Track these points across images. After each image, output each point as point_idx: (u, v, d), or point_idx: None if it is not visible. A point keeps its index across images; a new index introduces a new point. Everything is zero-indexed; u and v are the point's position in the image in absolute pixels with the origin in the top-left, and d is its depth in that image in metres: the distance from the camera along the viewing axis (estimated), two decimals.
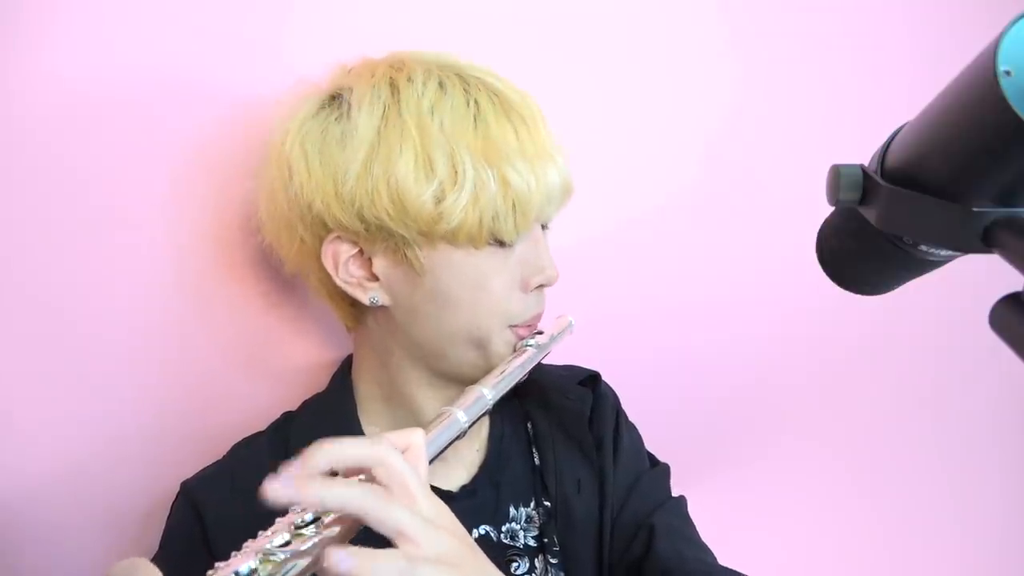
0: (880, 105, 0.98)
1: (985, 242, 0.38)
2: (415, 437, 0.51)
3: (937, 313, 1.20)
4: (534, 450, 0.74)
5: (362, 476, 0.47)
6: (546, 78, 0.83)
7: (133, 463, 0.76)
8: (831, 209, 0.51)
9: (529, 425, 0.76)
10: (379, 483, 0.46)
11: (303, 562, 0.43)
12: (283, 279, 0.81)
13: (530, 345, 0.67)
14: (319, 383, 0.79)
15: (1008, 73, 0.34)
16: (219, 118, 0.77)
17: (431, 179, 0.60)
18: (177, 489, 0.69)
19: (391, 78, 0.64)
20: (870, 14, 1.16)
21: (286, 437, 0.70)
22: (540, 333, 0.69)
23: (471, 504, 0.69)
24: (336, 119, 0.64)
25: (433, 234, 0.62)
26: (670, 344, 1.06)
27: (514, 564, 0.69)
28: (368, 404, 0.72)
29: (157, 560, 0.67)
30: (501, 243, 0.64)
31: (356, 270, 0.66)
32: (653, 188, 1.03)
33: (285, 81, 0.70)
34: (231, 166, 0.77)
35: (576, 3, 0.96)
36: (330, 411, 0.71)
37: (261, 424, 0.75)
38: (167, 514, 0.69)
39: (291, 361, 0.83)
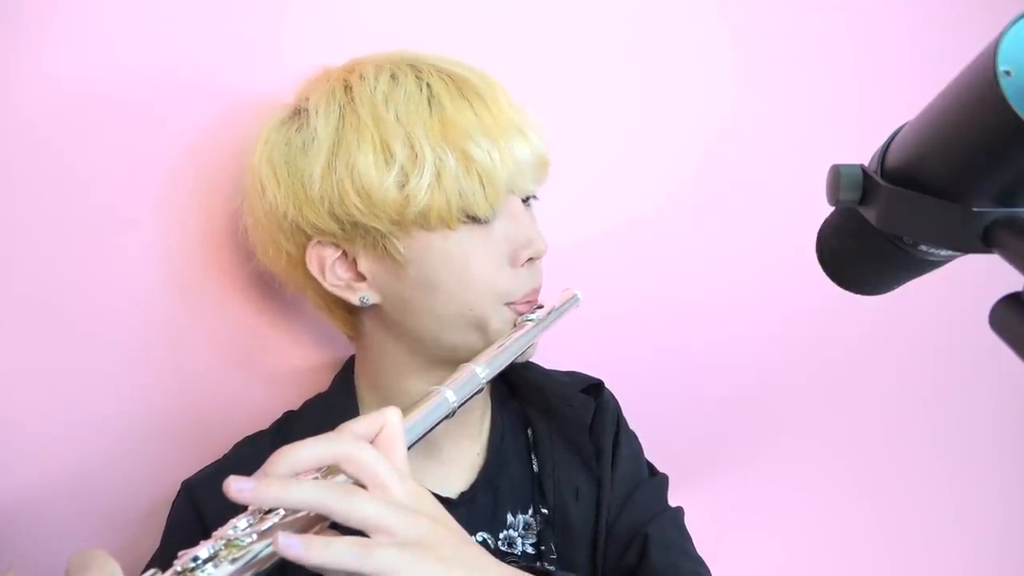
0: (880, 105, 0.98)
1: (985, 242, 0.38)
2: (390, 416, 0.50)
3: (937, 313, 1.20)
4: (533, 456, 0.74)
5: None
6: (546, 78, 0.83)
7: (131, 463, 0.76)
8: (831, 209, 0.51)
9: (529, 431, 0.75)
10: (350, 478, 0.45)
11: (266, 543, 0.42)
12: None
13: (530, 319, 0.66)
14: (317, 383, 0.79)
15: (1008, 73, 0.34)
16: (218, 118, 0.77)
17: (391, 165, 0.61)
18: (176, 489, 0.69)
19: (344, 79, 0.65)
20: (870, 14, 1.16)
21: (288, 436, 0.70)
22: (541, 307, 0.68)
23: (470, 511, 0.69)
24: (297, 129, 0.65)
25: (404, 221, 0.62)
26: (670, 344, 1.06)
27: None
28: (369, 409, 0.71)
29: (157, 558, 0.67)
30: (476, 219, 0.63)
31: (343, 273, 0.66)
32: (653, 188, 1.03)
33: (285, 81, 0.70)
34: (231, 166, 0.77)
35: (576, 4, 0.96)
36: (332, 412, 0.71)
37: (260, 424, 0.74)
38: (166, 514, 0.69)
39: (290, 361, 0.83)
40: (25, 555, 0.72)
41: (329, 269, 0.66)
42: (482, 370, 0.59)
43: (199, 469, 0.70)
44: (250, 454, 0.70)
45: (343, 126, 0.62)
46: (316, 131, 0.63)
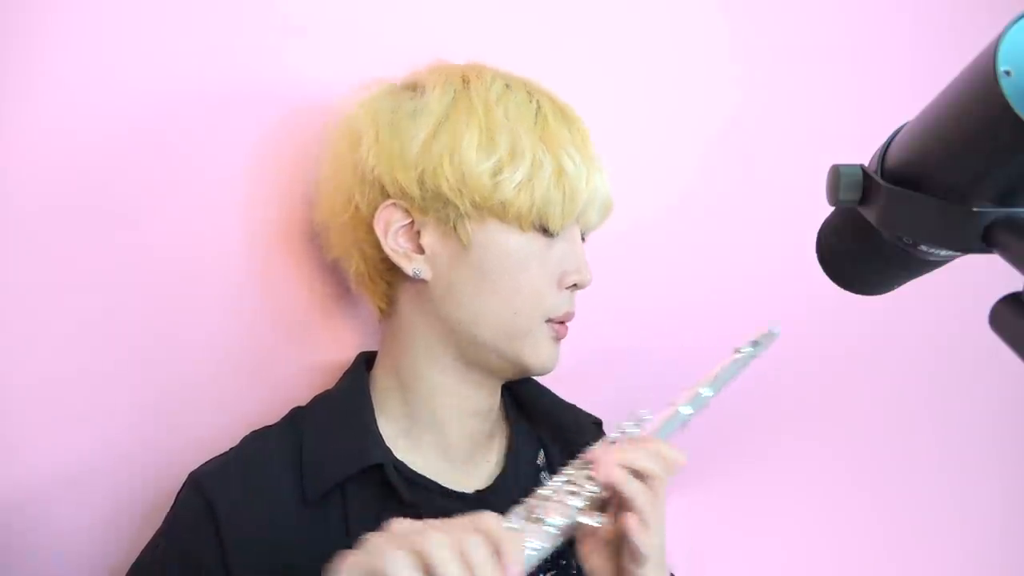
0: (880, 105, 0.98)
1: (985, 242, 0.38)
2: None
3: (937, 313, 1.20)
4: (547, 475, 0.76)
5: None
6: (546, 79, 0.83)
7: (136, 459, 0.76)
8: (831, 209, 0.51)
9: (542, 452, 0.77)
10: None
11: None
12: (288, 285, 0.80)
13: (746, 350, 0.72)
14: (320, 383, 0.79)
15: (1008, 73, 0.34)
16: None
17: (491, 155, 0.64)
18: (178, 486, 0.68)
19: (463, 74, 0.69)
20: (871, 14, 1.16)
21: (298, 433, 0.69)
22: (757, 343, 0.73)
23: (485, 508, 0.70)
24: (409, 98, 0.68)
25: (485, 206, 0.65)
26: (669, 343, 1.06)
27: None
28: (384, 400, 0.71)
29: (158, 551, 0.66)
30: (545, 230, 0.67)
31: (404, 241, 0.68)
32: (653, 189, 1.03)
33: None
34: (236, 172, 0.77)
35: (579, 7, 0.96)
36: (344, 408, 0.71)
37: (265, 419, 0.73)
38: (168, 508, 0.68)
39: (293, 361, 0.83)
40: (27, 553, 0.72)
41: (392, 233, 0.67)
42: (707, 390, 0.67)
43: (204, 461, 0.69)
44: (259, 450, 0.69)
45: (455, 106, 0.66)
46: (428, 103, 0.66)
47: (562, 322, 0.70)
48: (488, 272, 0.66)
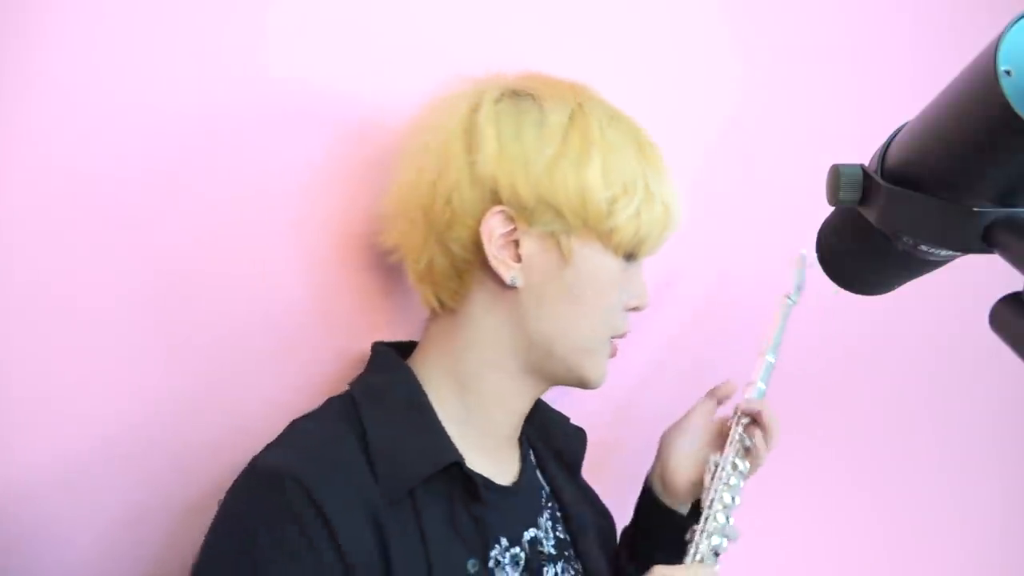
0: (880, 105, 0.98)
1: (985, 242, 0.38)
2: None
3: (937, 313, 1.20)
4: (540, 472, 0.79)
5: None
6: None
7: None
8: (831, 209, 0.51)
9: (531, 451, 0.79)
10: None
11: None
12: (296, 281, 0.80)
13: (790, 299, 0.85)
14: (333, 379, 0.78)
15: (1008, 73, 0.34)
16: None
17: (612, 183, 0.66)
18: (216, 485, 0.65)
19: (573, 93, 0.70)
20: (871, 14, 1.16)
21: (357, 426, 0.66)
22: (798, 289, 0.85)
23: (520, 502, 0.73)
24: (529, 107, 0.68)
25: (595, 228, 0.67)
26: (669, 343, 1.06)
27: (546, 569, 0.72)
28: (437, 396, 0.70)
29: (249, 555, 0.60)
30: (629, 257, 0.70)
31: (502, 248, 0.67)
32: None
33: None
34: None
35: (578, 7, 0.96)
36: (403, 403, 0.69)
37: (289, 415, 0.71)
38: (211, 510, 0.64)
39: (309, 362, 0.82)
40: (32, 555, 0.72)
41: (494, 240, 0.67)
42: (771, 356, 0.87)
43: (264, 451, 0.64)
44: (332, 439, 0.65)
45: (573, 127, 0.67)
46: (549, 118, 0.67)
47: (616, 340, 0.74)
48: (576, 287, 0.68)
